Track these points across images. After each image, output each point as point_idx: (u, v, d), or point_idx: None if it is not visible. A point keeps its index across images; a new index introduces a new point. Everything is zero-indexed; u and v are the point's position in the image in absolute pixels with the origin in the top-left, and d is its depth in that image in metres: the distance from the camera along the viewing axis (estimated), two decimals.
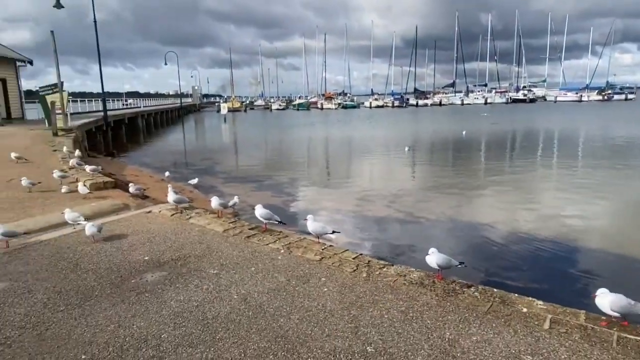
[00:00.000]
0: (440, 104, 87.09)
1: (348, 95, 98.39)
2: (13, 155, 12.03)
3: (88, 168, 10.36)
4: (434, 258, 4.19)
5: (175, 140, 34.73)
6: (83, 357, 3.14)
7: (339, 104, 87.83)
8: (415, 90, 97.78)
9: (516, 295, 3.88)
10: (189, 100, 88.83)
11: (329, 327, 3.42)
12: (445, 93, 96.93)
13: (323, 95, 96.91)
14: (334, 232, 5.24)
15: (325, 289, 4.09)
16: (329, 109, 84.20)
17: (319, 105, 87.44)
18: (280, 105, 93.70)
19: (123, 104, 53.97)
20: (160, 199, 8.90)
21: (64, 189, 8.70)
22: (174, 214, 6.76)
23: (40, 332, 3.47)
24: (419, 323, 3.46)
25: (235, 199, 9.03)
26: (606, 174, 14.42)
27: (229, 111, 72.09)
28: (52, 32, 18.25)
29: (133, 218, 6.79)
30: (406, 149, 21.60)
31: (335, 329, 3.40)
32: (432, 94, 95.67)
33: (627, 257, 7.21)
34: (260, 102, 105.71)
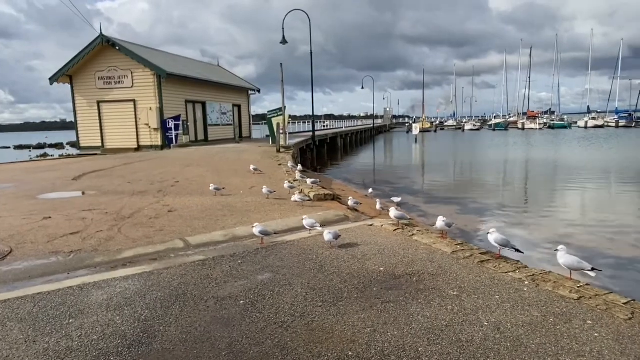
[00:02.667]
0: None
1: (556, 113, 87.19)
2: (252, 167, 14.45)
3: (309, 181, 11.64)
4: None
5: (369, 159, 36.46)
6: (350, 353, 3.39)
7: (545, 123, 78.47)
8: None
9: None
10: (380, 121, 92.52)
11: None
12: None
13: (524, 114, 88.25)
14: (593, 269, 4.51)
15: (596, 334, 3.50)
16: (532, 129, 75.95)
17: (520, 125, 79.79)
18: (474, 125, 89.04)
19: (322, 126, 59.80)
20: (369, 213, 9.33)
21: (293, 198, 9.97)
22: (396, 229, 6.94)
23: (308, 322, 3.91)
24: None
25: (441, 220, 8.80)
26: None
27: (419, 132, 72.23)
28: (281, 64, 21.53)
29: (357, 229, 7.24)
30: None
31: None
32: None
33: None
34: (451, 122, 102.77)
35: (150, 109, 24.51)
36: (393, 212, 7.48)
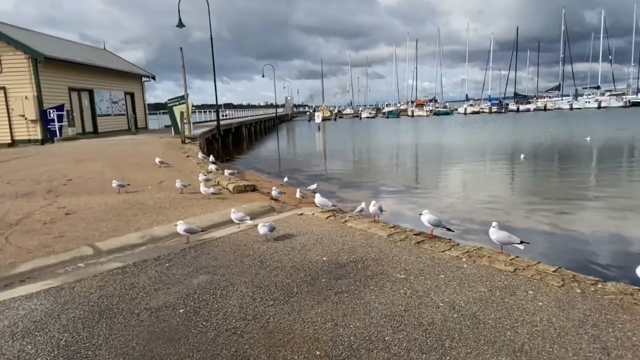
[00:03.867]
0: (545, 109, 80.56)
1: (439, 101, 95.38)
2: (157, 160, 13.30)
3: (227, 172, 11.06)
4: None
5: (276, 148, 36.22)
6: (317, 352, 3.17)
7: (431, 110, 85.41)
8: (516, 94, 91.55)
9: None
10: (281, 110, 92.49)
11: (572, 346, 3.09)
12: (550, 97, 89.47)
13: (413, 102, 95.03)
14: (522, 242, 4.86)
15: (541, 303, 3.75)
16: (420, 116, 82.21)
17: (410, 113, 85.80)
18: (370, 113, 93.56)
19: (223, 115, 57.84)
20: (291, 203, 9.16)
21: (208, 191, 9.35)
22: (328, 217, 6.85)
23: (263, 324, 3.60)
24: None
25: (363, 205, 8.98)
26: None
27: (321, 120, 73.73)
28: (181, 49, 20.04)
29: (289, 219, 7.00)
30: (522, 156, 20.14)
31: (578, 348, 3.06)
32: (534, 98, 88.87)
33: None
34: (349, 110, 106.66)
35: (26, 97, 21.19)
36: (318, 198, 7.39)
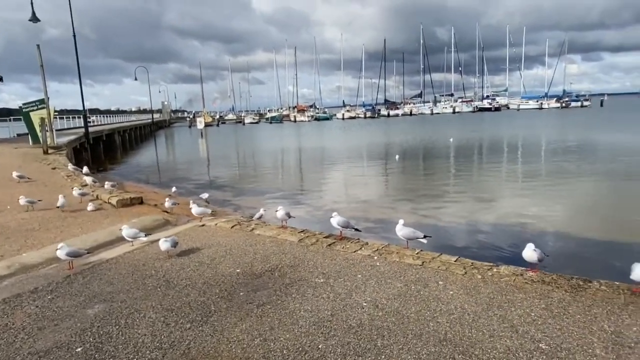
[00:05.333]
0: (410, 114, 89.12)
1: (319, 107, 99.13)
2: (15, 174, 11.36)
3: (107, 185, 9.92)
4: (530, 252, 4.32)
5: (156, 156, 33.77)
6: None
7: (312, 116, 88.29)
8: (386, 101, 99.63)
9: (633, 285, 3.97)
10: (158, 115, 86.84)
11: (487, 328, 3.38)
12: (414, 103, 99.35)
13: (295, 108, 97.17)
14: (425, 236, 5.21)
15: (451, 292, 4.05)
16: (302, 121, 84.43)
17: (292, 118, 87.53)
18: (253, 119, 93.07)
19: (89, 122, 52.07)
20: (185, 214, 8.63)
21: (90, 207, 8.29)
22: (234, 226, 6.55)
23: (184, 351, 3.26)
24: (570, 318, 3.48)
25: (262, 211, 8.86)
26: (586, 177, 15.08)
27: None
28: (38, 46, 17.45)
29: (190, 232, 6.52)
30: (397, 157, 21.90)
31: (493, 329, 3.37)
32: (402, 104, 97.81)
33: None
34: (231, 116, 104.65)
35: None
36: (195, 209, 7.13)
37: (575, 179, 14.12)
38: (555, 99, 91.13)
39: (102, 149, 30.37)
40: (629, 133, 29.57)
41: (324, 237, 5.87)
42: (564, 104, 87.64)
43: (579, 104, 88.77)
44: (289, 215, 6.47)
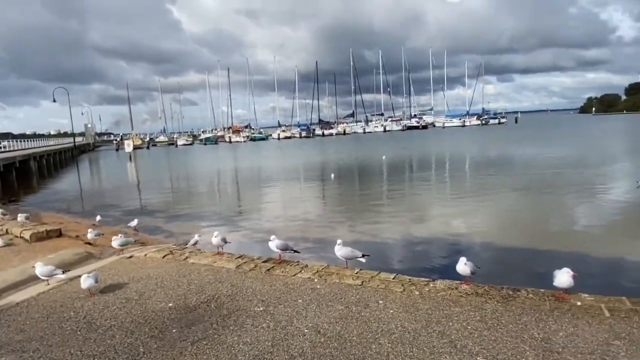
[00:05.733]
0: (344, 133, 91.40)
1: (254, 127, 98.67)
2: None
3: (20, 217, 8.98)
4: (462, 266, 4.49)
5: (79, 183, 31.41)
6: None
7: (248, 136, 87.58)
8: (320, 121, 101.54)
9: (561, 292, 4.24)
10: (80, 139, 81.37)
11: (427, 346, 3.41)
12: (347, 123, 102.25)
13: (229, 128, 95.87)
14: (364, 255, 5.23)
15: (392, 311, 4.06)
16: (238, 142, 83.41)
17: (227, 139, 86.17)
18: (187, 140, 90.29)
19: None
20: (111, 245, 8.04)
21: None
22: (165, 256, 6.16)
23: None
24: (503, 328, 3.62)
25: (196, 237, 8.50)
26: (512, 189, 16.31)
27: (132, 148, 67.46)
28: None
29: (116, 265, 6.03)
30: (332, 175, 22.25)
31: (433, 346, 3.40)
32: (336, 124, 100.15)
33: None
34: (163, 137, 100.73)
35: None
36: (116, 240, 6.74)
37: (498, 191, 15.13)
38: (476, 116, 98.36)
39: (14, 177, 27.71)
40: (541, 147, 32.49)
41: (263, 262, 5.70)
42: (483, 122, 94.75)
43: (496, 121, 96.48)
44: (225, 241, 6.21)
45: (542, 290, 4.33)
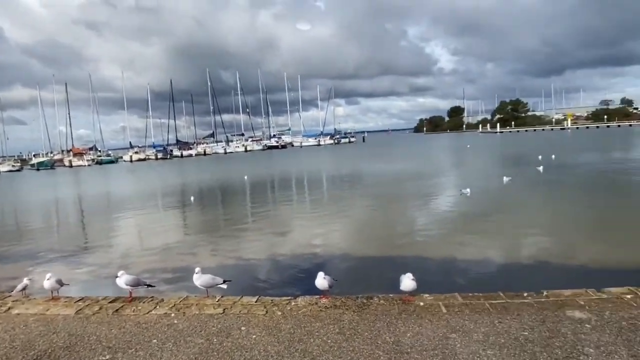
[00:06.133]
0: (204, 154, 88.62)
1: (101, 149, 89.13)
2: None
3: None
4: (321, 280, 4.70)
5: None
6: None
7: (93, 159, 78.50)
8: (178, 141, 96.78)
9: (407, 294, 4.70)
10: None
11: None
12: (207, 143, 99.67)
13: (70, 151, 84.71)
14: (225, 281, 5.03)
15: (254, 336, 3.97)
16: (81, 165, 74.07)
17: (67, 163, 75.91)
18: (13, 166, 76.58)
19: None
20: None
21: None
22: None
23: None
24: (359, 337, 3.83)
25: (25, 281, 7.23)
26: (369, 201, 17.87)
27: None
28: None
29: None
30: (192, 198, 21.38)
31: None
32: (195, 145, 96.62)
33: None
34: None
35: None
36: None
37: (352, 204, 16.32)
38: (329, 136, 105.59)
39: None
40: (386, 162, 36.30)
41: (109, 302, 5.06)
42: (336, 141, 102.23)
43: (347, 140, 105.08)
44: (61, 283, 5.35)
45: (392, 295, 4.74)
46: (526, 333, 3.76)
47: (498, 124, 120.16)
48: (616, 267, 7.21)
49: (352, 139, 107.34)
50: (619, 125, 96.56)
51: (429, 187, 19.27)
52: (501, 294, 4.66)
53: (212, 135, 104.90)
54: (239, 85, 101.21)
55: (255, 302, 4.78)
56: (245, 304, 4.73)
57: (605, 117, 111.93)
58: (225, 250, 10.63)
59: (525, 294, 4.64)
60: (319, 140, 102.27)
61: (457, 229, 11.20)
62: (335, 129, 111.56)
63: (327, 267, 8.00)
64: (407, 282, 4.53)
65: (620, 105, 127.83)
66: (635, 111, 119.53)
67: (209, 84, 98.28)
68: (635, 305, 4.25)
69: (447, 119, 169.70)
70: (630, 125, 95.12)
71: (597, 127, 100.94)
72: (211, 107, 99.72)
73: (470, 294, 4.70)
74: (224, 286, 5.07)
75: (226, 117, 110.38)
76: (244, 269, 8.84)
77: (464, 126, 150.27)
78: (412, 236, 10.69)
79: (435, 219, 12.59)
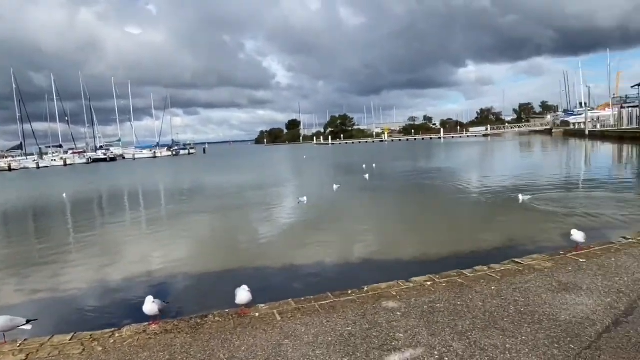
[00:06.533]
0: (10, 169, 73.86)
1: None
2: None
3: None
4: (149, 305, 4.41)
5: None
6: None
7: None
8: None
9: (242, 307, 4.71)
10: None
11: None
12: (13, 156, 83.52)
13: None
14: (28, 321, 4.24)
15: None
16: None
17: None
18: None
19: None
20: None
21: None
22: None
23: None
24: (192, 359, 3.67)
25: None
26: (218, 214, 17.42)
27: None
28: None
29: None
30: None
31: None
32: None
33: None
34: None
35: None
36: None
37: (191, 218, 15.64)
38: (166, 147, 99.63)
39: None
40: (226, 174, 35.93)
41: None
42: (174, 152, 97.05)
43: (187, 151, 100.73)
44: None
45: (228, 310, 4.69)
46: (350, 328, 4.15)
47: (330, 137, 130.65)
48: (421, 259, 8.53)
49: (192, 151, 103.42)
50: (422, 138, 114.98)
51: (269, 197, 19.78)
52: (329, 294, 5.05)
53: (20, 147, 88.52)
54: (54, 88, 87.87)
55: (70, 340, 4.17)
56: (57, 344, 4.09)
57: (413, 131, 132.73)
58: (35, 283, 9.02)
59: (350, 291, 5.13)
60: (155, 152, 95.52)
61: (295, 236, 11.74)
62: (173, 140, 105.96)
63: (161, 290, 7.49)
64: (243, 294, 4.55)
65: (423, 122, 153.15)
66: (433, 126, 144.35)
67: (14, 86, 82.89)
68: (433, 290, 5.09)
69: (285, 131, 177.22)
70: (431, 138, 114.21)
71: (407, 139, 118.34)
72: (18, 114, 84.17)
73: (302, 299, 4.97)
74: (28, 327, 4.29)
75: (39, 125, 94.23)
76: (58, 303, 7.64)
77: (301, 138, 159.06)
78: (251, 247, 10.79)
79: (274, 228, 12.98)
